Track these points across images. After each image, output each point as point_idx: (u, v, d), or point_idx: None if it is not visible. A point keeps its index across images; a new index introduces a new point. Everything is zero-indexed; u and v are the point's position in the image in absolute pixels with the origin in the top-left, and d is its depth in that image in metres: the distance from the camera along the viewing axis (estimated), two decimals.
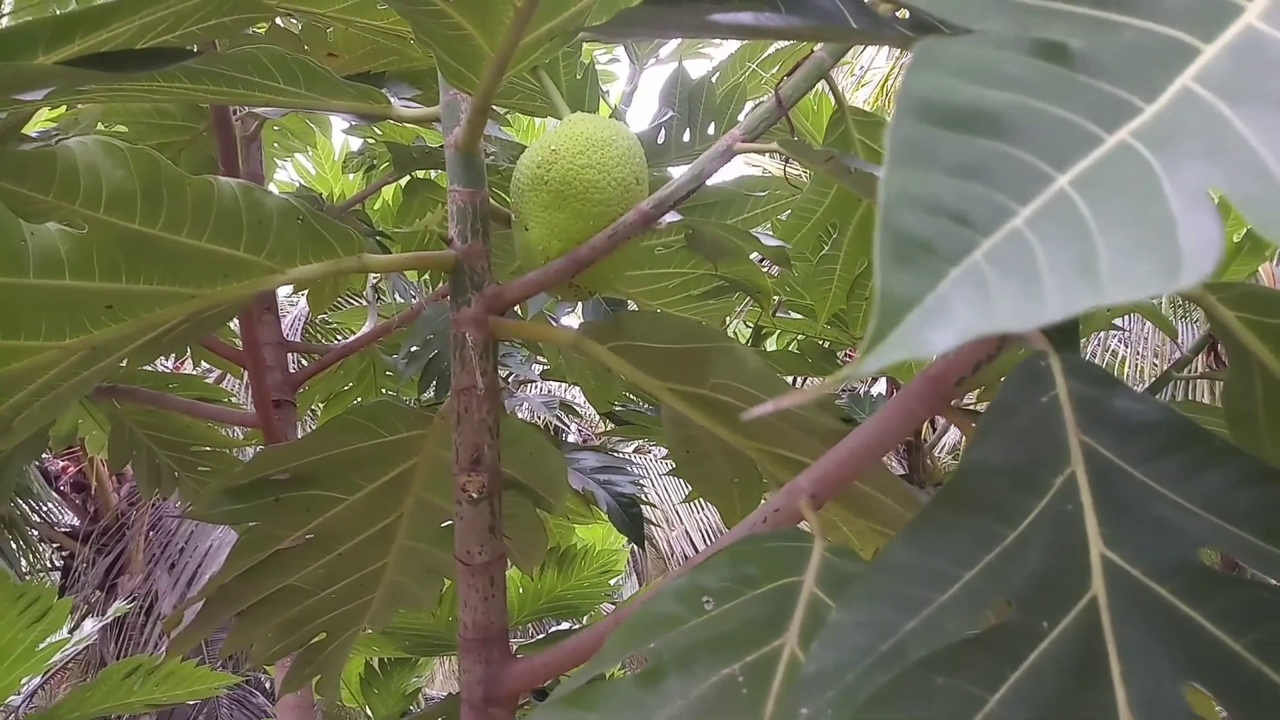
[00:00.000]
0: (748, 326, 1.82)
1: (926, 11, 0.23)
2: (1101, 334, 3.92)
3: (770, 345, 1.82)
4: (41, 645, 1.98)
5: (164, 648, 3.91)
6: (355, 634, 0.93)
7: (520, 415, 2.28)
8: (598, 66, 1.96)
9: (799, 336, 1.62)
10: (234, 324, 1.75)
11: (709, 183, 0.66)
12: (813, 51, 0.65)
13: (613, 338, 0.68)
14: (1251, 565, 0.37)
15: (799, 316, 1.45)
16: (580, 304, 1.29)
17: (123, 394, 1.63)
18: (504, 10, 0.55)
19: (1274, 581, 0.36)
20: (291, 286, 2.03)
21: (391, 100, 0.72)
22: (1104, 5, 0.24)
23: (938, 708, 0.34)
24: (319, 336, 3.76)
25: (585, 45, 1.34)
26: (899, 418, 0.51)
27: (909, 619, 0.36)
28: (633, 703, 0.41)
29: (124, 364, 0.73)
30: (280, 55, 0.68)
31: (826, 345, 1.45)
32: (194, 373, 2.78)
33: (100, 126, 1.52)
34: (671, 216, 0.88)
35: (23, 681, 2.06)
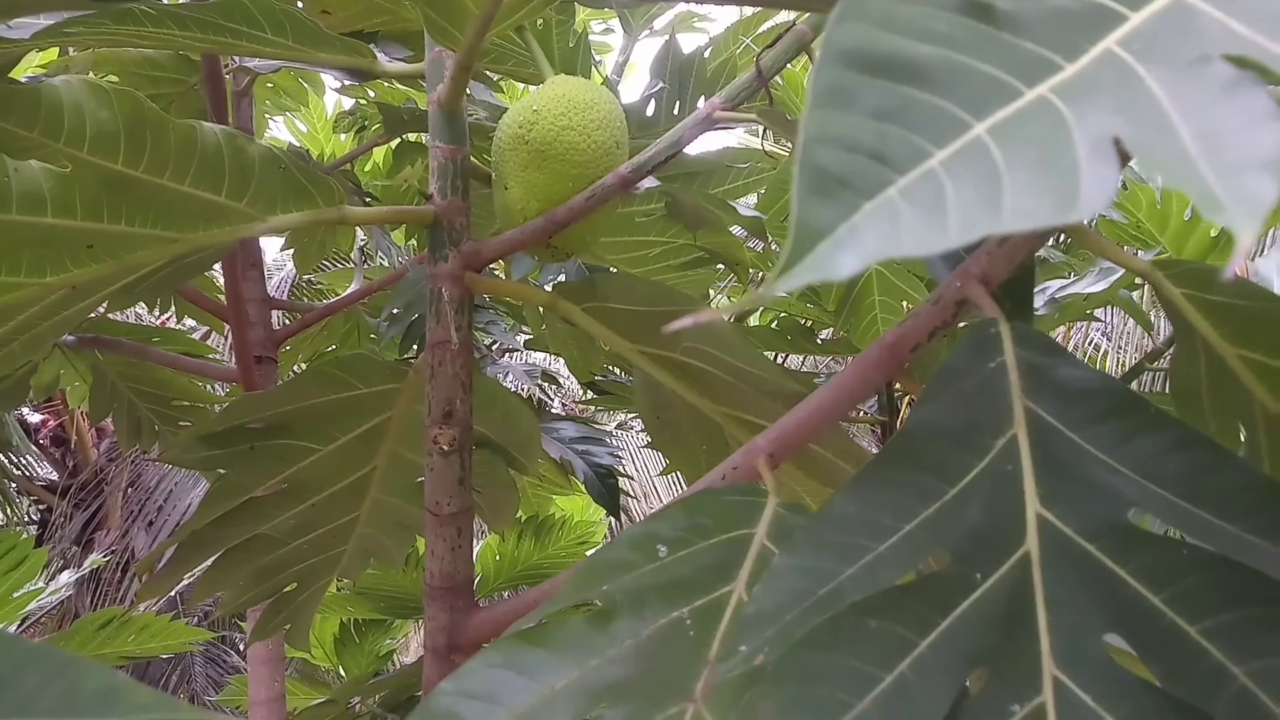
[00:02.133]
0: (731, 301, 1.83)
1: None
2: (1083, 326, 3.95)
3: (754, 321, 1.84)
4: (16, 594, 1.99)
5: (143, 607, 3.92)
6: (326, 585, 0.95)
7: (505, 384, 2.29)
8: (593, 37, 1.97)
9: (781, 314, 1.64)
10: (219, 279, 1.75)
11: (692, 153, 0.67)
12: (794, 24, 0.66)
13: (587, 298, 0.69)
14: (1174, 525, 0.39)
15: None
16: (564, 272, 1.30)
17: (105, 345, 1.63)
18: None
19: (1192, 540, 0.38)
20: (279, 245, 2.03)
21: (378, 55, 0.73)
22: None
23: (869, 649, 0.36)
24: (306, 297, 3.76)
25: (580, 15, 1.35)
26: (855, 382, 0.52)
27: (847, 566, 0.38)
28: (583, 640, 0.42)
29: (104, 306, 0.74)
30: (269, 6, 0.68)
31: (808, 323, 1.47)
32: (180, 328, 2.78)
33: (90, 75, 1.51)
34: (651, 183, 0.89)
35: None
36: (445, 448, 0.66)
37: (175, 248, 0.63)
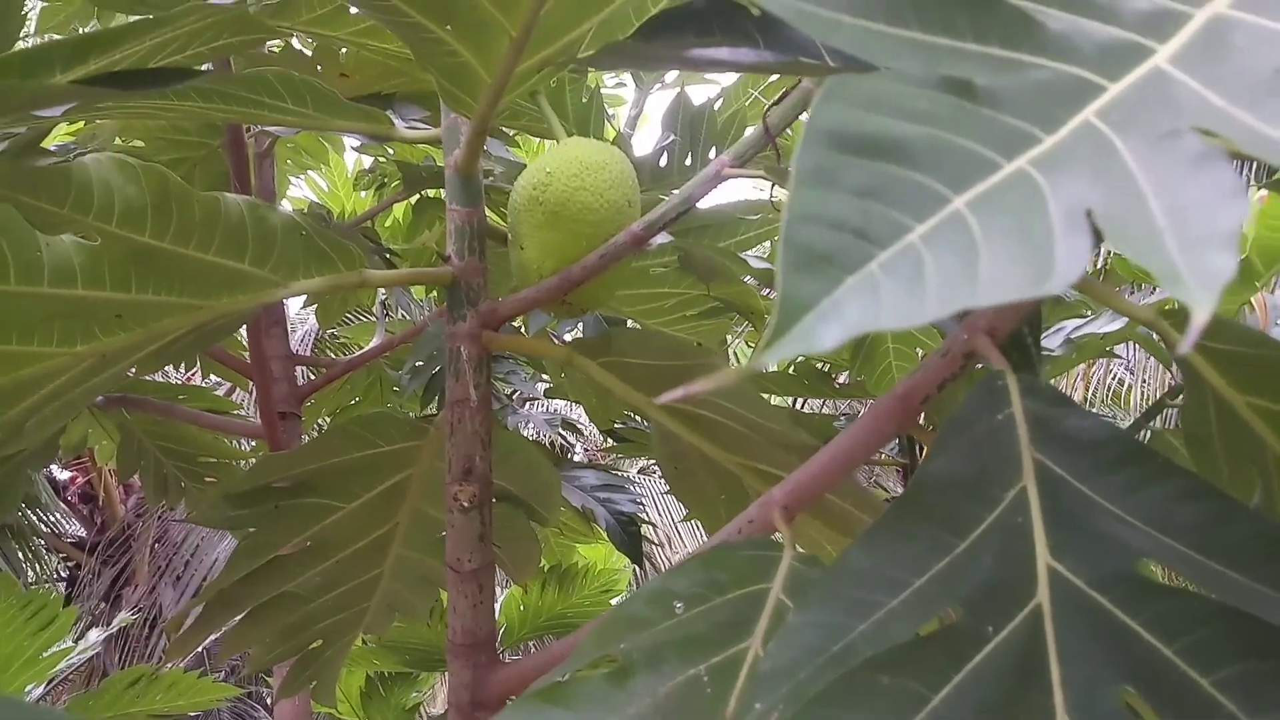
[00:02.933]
0: (749, 347, 1.84)
1: (846, 51, 0.25)
2: (1104, 361, 3.93)
3: (772, 366, 1.84)
4: (46, 653, 2.00)
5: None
6: (351, 641, 0.95)
7: (526, 432, 2.30)
8: (605, 90, 2.00)
9: (798, 359, 1.65)
10: (243, 336, 1.78)
11: (704, 206, 0.68)
12: (800, 82, 0.67)
13: (603, 353, 0.70)
14: (1185, 575, 0.39)
15: None
16: (581, 322, 1.32)
17: (132, 404, 1.66)
18: (500, 39, 0.57)
19: (1202, 591, 0.38)
20: (302, 301, 2.06)
21: (395, 121, 0.75)
22: (1016, 47, 0.26)
23: (883, 704, 0.36)
24: (329, 352, 3.80)
25: (592, 72, 1.38)
26: (868, 433, 0.53)
27: (860, 621, 0.38)
28: (601, 699, 0.43)
29: (132, 371, 0.76)
30: (288, 77, 0.71)
31: (825, 368, 1.47)
32: (205, 385, 2.81)
33: (118, 141, 1.56)
34: (663, 238, 0.91)
35: (26, 689, 2.08)
36: (465, 504, 0.67)
37: (200, 314, 0.65)
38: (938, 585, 0.40)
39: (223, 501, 0.78)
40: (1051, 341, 1.24)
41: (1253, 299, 1.35)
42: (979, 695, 0.37)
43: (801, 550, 0.50)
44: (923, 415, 0.53)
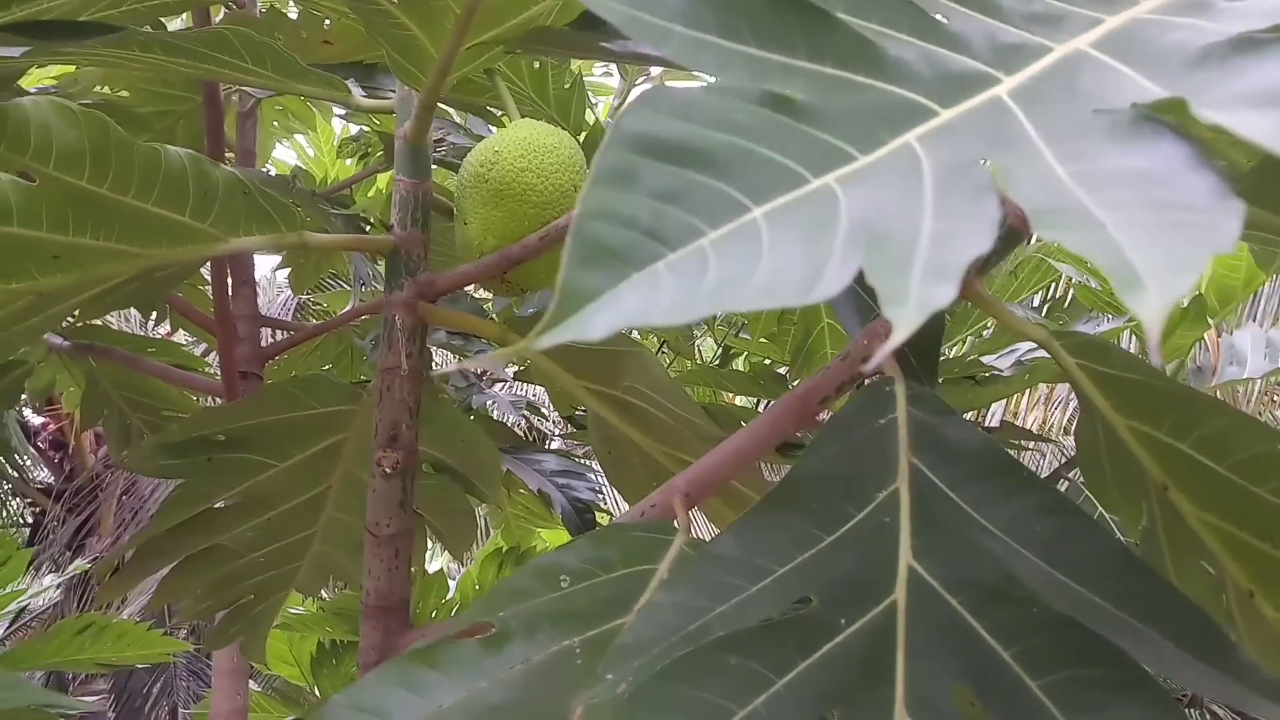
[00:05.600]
0: (717, 345, 1.86)
1: (671, 61, 0.26)
2: (1065, 388, 3.95)
3: (739, 365, 1.86)
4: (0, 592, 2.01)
5: (127, 612, 3.93)
6: (283, 599, 0.96)
7: (493, 414, 2.31)
8: (593, 79, 2.01)
9: (766, 360, 1.66)
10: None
11: None
12: None
13: None
14: (1035, 586, 0.40)
15: (765, 340, 1.49)
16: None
17: (99, 352, 1.66)
18: (445, 15, 0.58)
19: (1050, 601, 0.39)
20: (278, 265, 2.06)
21: (352, 89, 0.76)
22: (851, 68, 0.27)
23: (726, 683, 0.37)
24: (311, 318, 3.79)
25: (572, 59, 1.38)
26: (768, 429, 0.54)
27: (718, 604, 0.40)
28: (473, 663, 0.44)
29: (76, 314, 0.77)
30: (248, 37, 0.72)
31: (784, 370, 1.49)
32: (178, 341, 2.82)
33: (105, 90, 1.56)
34: None
35: None
36: (388, 470, 0.68)
37: (141, 262, 0.66)
38: (799, 575, 0.41)
39: (158, 449, 0.79)
40: (1003, 362, 1.26)
41: (1206, 336, 1.37)
42: (823, 682, 0.38)
43: (691, 536, 0.52)
44: (824, 414, 0.55)
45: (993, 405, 3.59)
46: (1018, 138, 0.27)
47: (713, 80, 0.26)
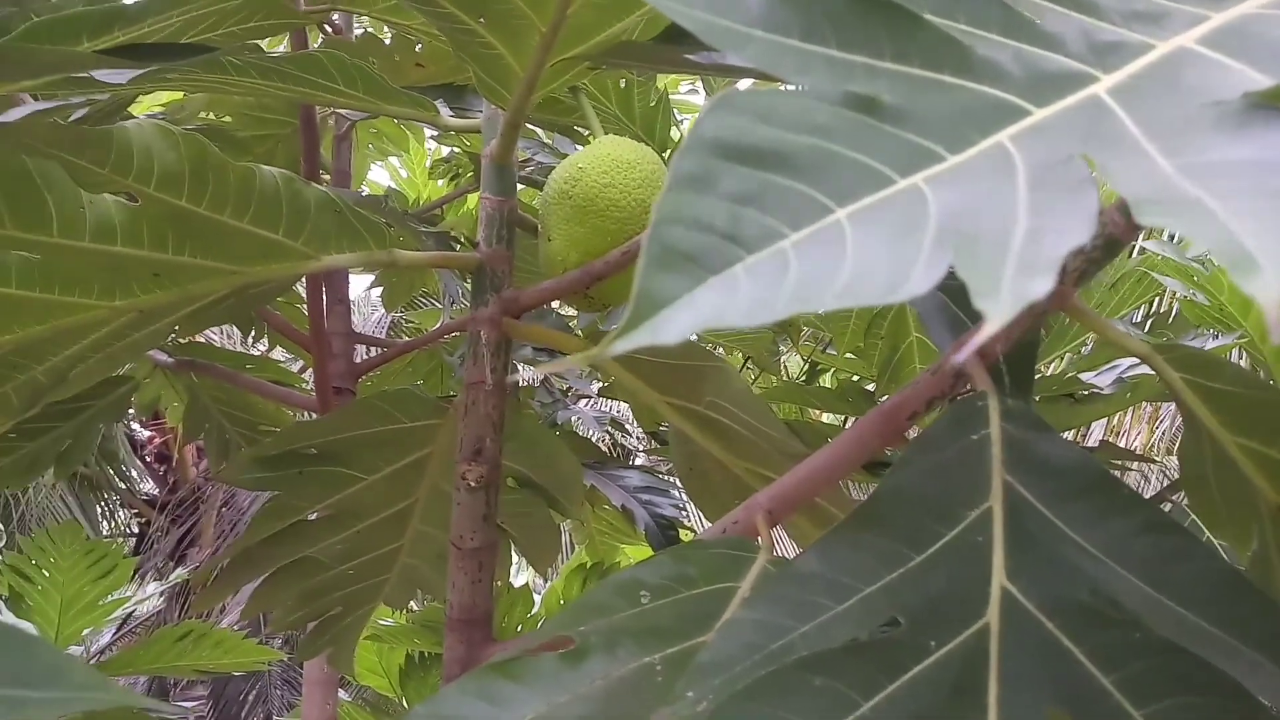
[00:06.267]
0: (804, 360, 1.84)
1: (754, 71, 0.26)
2: (1170, 407, 3.80)
3: (825, 381, 1.83)
4: (104, 600, 2.09)
5: (225, 621, 4.05)
6: (370, 611, 0.98)
7: (578, 429, 2.33)
8: (679, 96, 2.01)
9: (854, 377, 1.63)
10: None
11: None
12: None
13: None
14: (1136, 608, 0.38)
15: (852, 356, 1.47)
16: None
17: (200, 368, 1.72)
18: (530, 34, 0.59)
19: (1151, 624, 0.38)
20: (371, 284, 2.11)
21: (440, 109, 0.78)
22: (938, 68, 0.26)
23: (810, 704, 0.36)
24: (404, 335, 3.88)
25: (658, 74, 1.39)
26: (854, 445, 0.53)
27: (802, 623, 0.39)
28: (553, 677, 0.44)
29: (176, 330, 0.79)
30: (341, 60, 0.73)
31: (873, 387, 1.46)
32: (275, 358, 2.91)
33: (209, 115, 1.63)
34: None
35: (84, 633, 2.17)
36: (473, 484, 0.68)
37: (236, 279, 0.68)
38: (886, 595, 0.40)
39: (252, 463, 0.81)
40: (1103, 379, 1.21)
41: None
42: (911, 706, 0.37)
43: (776, 554, 0.51)
44: (913, 431, 0.53)
45: (1093, 425, 3.48)
46: (1118, 134, 0.26)
47: (793, 84, 0.25)
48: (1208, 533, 1.00)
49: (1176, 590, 0.38)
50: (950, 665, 0.38)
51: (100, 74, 0.70)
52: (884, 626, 0.39)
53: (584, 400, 2.29)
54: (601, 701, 0.43)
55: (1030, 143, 0.25)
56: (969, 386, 0.50)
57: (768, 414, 0.66)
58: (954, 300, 0.58)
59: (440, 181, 2.26)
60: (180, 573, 2.58)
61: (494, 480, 0.70)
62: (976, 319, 0.52)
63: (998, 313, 0.19)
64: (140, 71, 0.73)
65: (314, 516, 0.87)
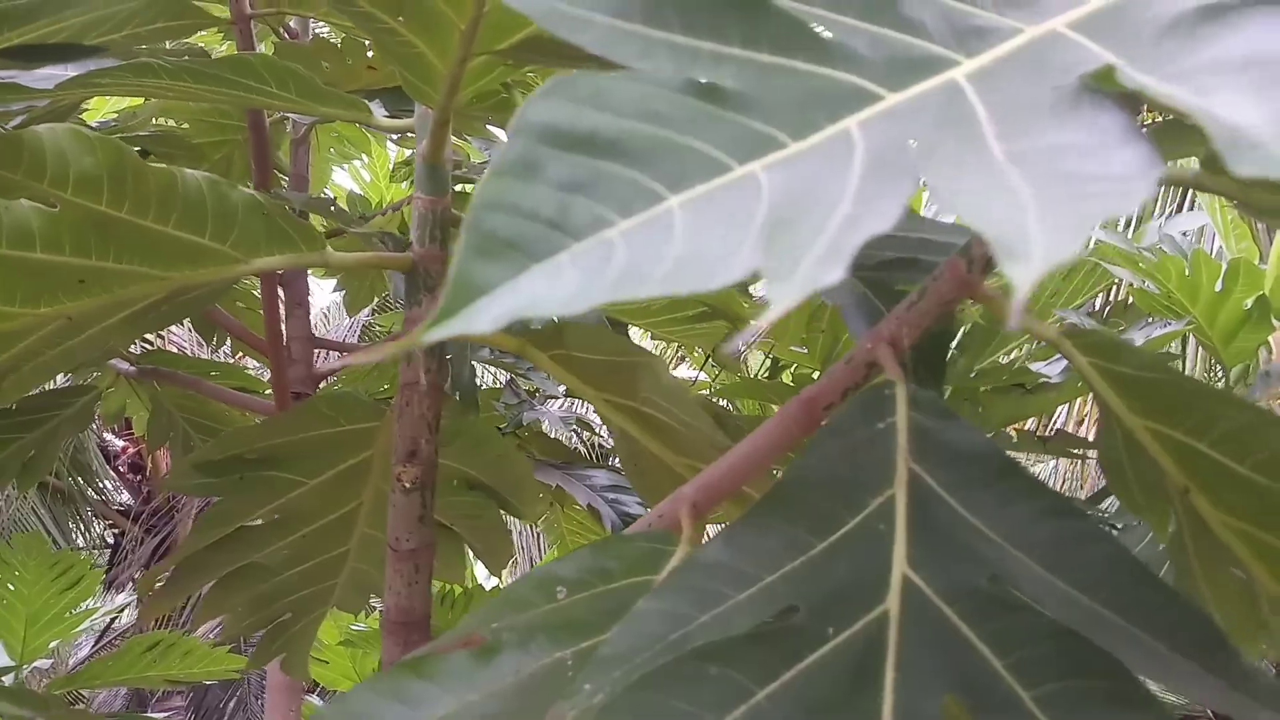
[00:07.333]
0: (766, 356, 1.84)
1: (587, 49, 0.26)
2: None
3: (787, 378, 1.84)
4: (72, 612, 2.07)
5: (201, 631, 4.02)
6: (321, 616, 0.97)
7: (545, 430, 2.32)
8: None
9: (815, 373, 1.64)
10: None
11: None
12: None
13: (554, 346, 0.71)
14: (1035, 593, 0.39)
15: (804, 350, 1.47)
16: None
17: (163, 376, 1.71)
18: (451, 31, 0.59)
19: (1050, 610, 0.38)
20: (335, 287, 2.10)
21: (374, 110, 0.77)
22: (789, 54, 0.26)
23: (704, 693, 0.36)
24: (374, 339, 3.86)
25: None
26: (776, 435, 0.53)
27: (702, 612, 0.39)
28: (464, 674, 0.44)
29: (112, 338, 0.79)
30: (272, 62, 0.73)
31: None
32: (242, 365, 2.89)
33: (169, 123, 1.62)
34: None
35: (50, 645, 2.15)
36: (408, 485, 0.68)
37: (167, 284, 0.67)
38: (788, 583, 0.40)
39: (193, 469, 0.81)
40: (1053, 369, 1.22)
41: (1271, 339, 1.32)
42: (807, 693, 0.37)
43: (695, 546, 0.51)
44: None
45: (1059, 412, 3.50)
46: (963, 118, 0.26)
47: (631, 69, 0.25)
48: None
49: (1074, 575, 0.38)
50: (848, 652, 0.38)
51: (28, 79, 0.70)
52: (785, 614, 0.39)
53: (552, 401, 2.29)
54: (512, 697, 0.43)
55: (876, 128, 0.25)
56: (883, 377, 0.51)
57: (694, 408, 0.66)
58: (874, 292, 0.58)
59: (405, 184, 2.25)
60: (153, 581, 2.56)
61: (429, 482, 0.69)
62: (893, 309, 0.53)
63: (784, 297, 0.20)
64: (69, 76, 0.73)
65: (260, 521, 0.87)
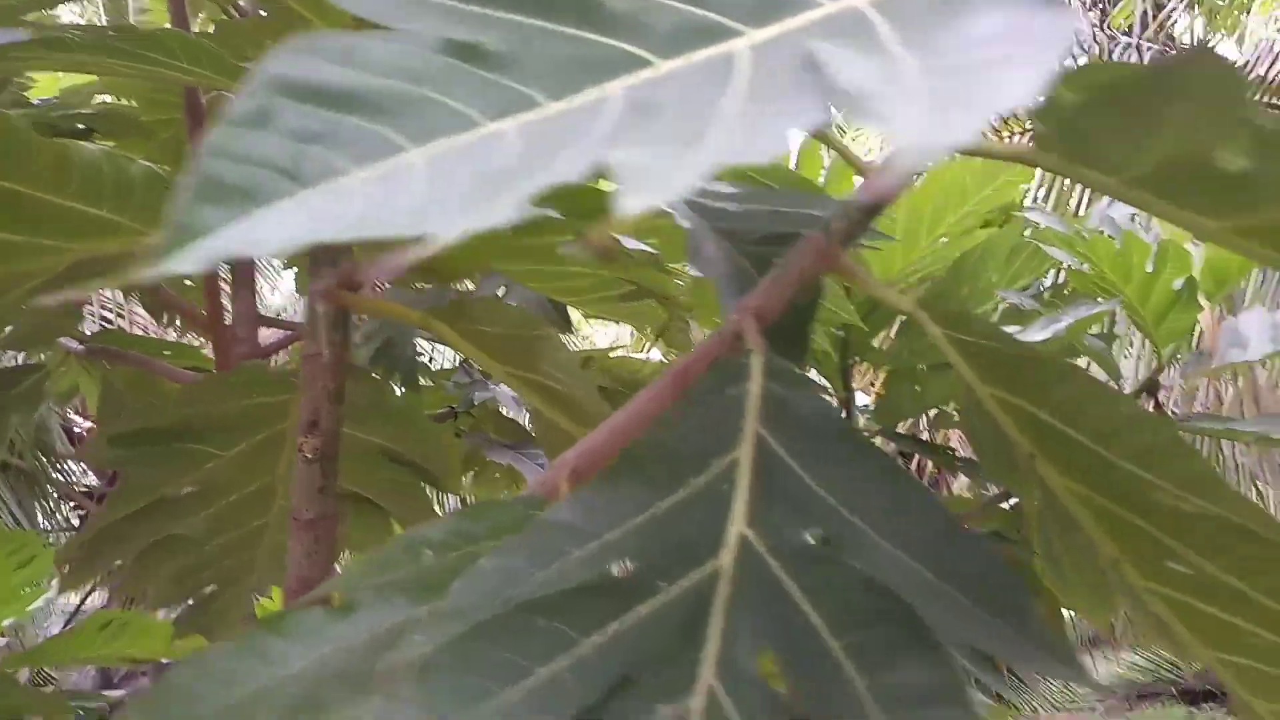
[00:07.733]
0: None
1: (357, 12, 0.27)
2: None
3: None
4: (25, 590, 2.07)
5: (163, 613, 4.01)
6: (246, 588, 0.98)
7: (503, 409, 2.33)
8: None
9: None
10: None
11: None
12: None
13: (459, 319, 0.72)
14: (858, 554, 0.40)
15: None
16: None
17: (112, 355, 1.70)
18: (344, 17, 0.59)
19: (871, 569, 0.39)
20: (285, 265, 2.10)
21: None
22: (563, 21, 0.27)
23: (530, 644, 0.38)
24: None
25: None
26: (651, 404, 0.54)
27: (539, 569, 0.40)
28: (319, 630, 0.45)
29: (13, 314, 0.79)
30: (184, 38, 0.73)
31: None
32: (194, 345, 2.88)
33: (110, 99, 1.61)
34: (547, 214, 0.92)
35: (4, 622, 2.14)
36: (309, 456, 0.69)
37: (68, 256, 0.68)
38: (627, 540, 0.41)
39: (106, 441, 0.81)
40: None
41: (1200, 319, 1.34)
42: (633, 644, 0.38)
43: None
44: None
45: None
46: (719, 97, 0.27)
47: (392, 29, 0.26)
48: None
49: (899, 536, 0.40)
50: (678, 606, 0.40)
51: None
52: (620, 569, 0.40)
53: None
54: (365, 653, 0.44)
55: (642, 94, 0.26)
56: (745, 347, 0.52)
57: (585, 380, 0.68)
58: (756, 266, 0.59)
59: None
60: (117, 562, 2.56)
61: (331, 453, 0.70)
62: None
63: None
64: None
65: (180, 493, 0.88)
